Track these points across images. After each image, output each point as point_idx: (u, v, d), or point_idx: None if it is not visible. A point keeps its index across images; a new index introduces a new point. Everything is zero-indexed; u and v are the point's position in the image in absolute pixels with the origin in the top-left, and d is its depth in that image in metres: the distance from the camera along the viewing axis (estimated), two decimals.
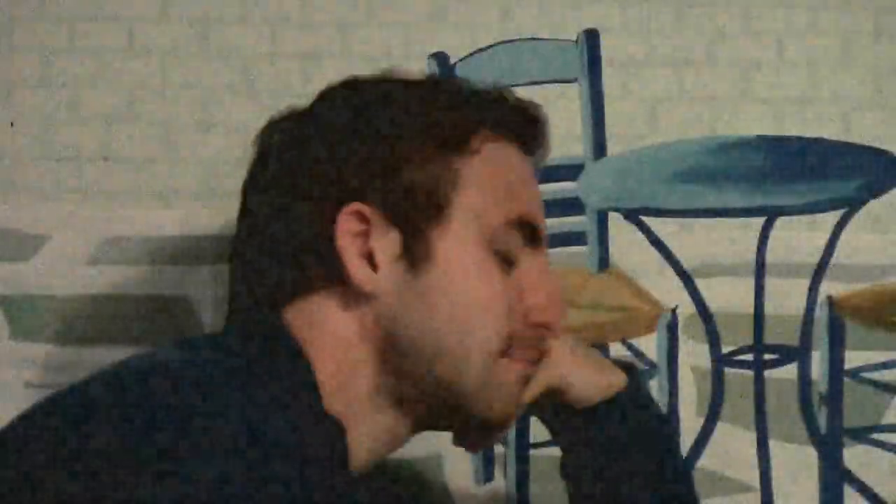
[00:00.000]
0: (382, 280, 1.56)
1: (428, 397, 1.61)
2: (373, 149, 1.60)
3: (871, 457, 2.20)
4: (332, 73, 2.04)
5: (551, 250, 2.18)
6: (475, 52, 2.17)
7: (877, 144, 2.20)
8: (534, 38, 2.19)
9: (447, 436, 2.08)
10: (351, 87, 1.68)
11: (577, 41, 2.16)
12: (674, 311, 2.17)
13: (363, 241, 1.57)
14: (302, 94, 1.77)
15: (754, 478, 2.18)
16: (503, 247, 1.58)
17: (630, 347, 2.17)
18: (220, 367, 1.54)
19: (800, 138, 2.20)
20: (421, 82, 1.67)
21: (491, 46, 2.18)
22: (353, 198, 1.56)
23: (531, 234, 1.61)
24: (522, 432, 2.17)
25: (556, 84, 2.20)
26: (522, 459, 2.18)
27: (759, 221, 2.15)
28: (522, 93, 2.02)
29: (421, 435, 2.12)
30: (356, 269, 1.55)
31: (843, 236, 2.16)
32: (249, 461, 1.43)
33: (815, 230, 2.17)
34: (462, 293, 1.57)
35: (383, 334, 1.58)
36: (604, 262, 2.20)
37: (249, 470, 1.42)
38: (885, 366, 2.20)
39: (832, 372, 2.19)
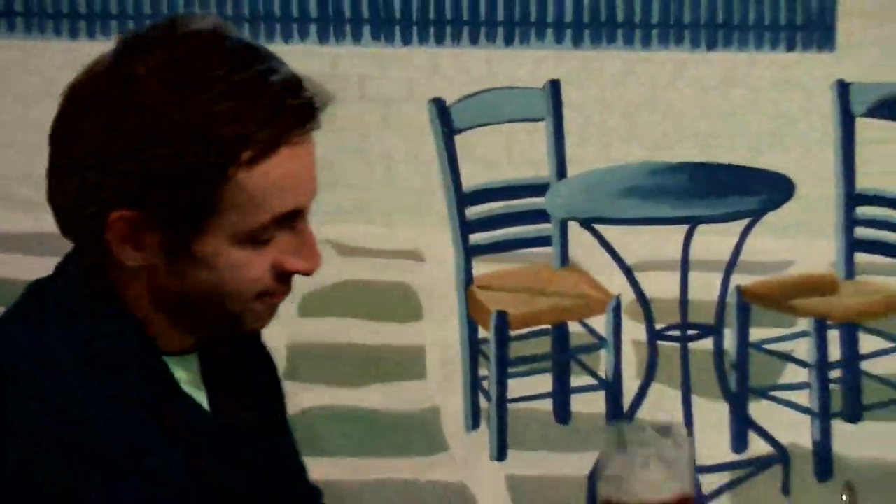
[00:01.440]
0: (147, 259, 1.77)
1: (204, 317, 1.82)
2: (150, 166, 1.76)
3: (770, 409, 2.38)
4: (353, 111, 2.33)
5: (526, 251, 2.35)
6: (464, 98, 2.34)
7: (775, 169, 2.36)
8: (509, 87, 2.36)
9: (445, 393, 2.36)
10: (143, 82, 1.78)
11: (543, 89, 2.33)
12: (618, 297, 2.35)
13: (129, 232, 1.78)
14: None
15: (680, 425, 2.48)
16: (260, 237, 1.73)
17: (585, 326, 2.38)
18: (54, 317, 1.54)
19: (716, 164, 2.41)
20: (201, 73, 1.78)
21: (476, 93, 2.34)
22: (119, 200, 1.76)
23: (288, 217, 1.81)
24: (502, 391, 2.37)
25: (528, 122, 2.38)
26: (502, 412, 2.36)
27: (684, 228, 2.28)
28: (502, 129, 2.29)
29: (422, 393, 2.36)
30: (121, 251, 1.70)
31: (749, 240, 2.30)
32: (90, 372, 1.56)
33: (728, 235, 2.29)
34: (218, 277, 1.77)
35: (159, 287, 1.80)
36: (565, 260, 2.40)
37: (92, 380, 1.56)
38: (780, 339, 2.42)
39: (740, 344, 2.35)
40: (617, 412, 2.40)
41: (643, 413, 2.36)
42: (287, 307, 2.11)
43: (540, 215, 2.38)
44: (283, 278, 1.54)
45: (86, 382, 1.50)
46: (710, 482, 2.34)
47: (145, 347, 1.56)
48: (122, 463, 1.49)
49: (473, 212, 2.36)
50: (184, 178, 1.49)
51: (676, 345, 2.35)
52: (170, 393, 1.57)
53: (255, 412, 1.85)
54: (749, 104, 2.35)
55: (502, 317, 2.32)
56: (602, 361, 2.39)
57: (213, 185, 1.47)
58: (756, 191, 2.36)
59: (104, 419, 1.50)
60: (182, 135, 1.47)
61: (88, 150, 1.53)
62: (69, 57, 2.36)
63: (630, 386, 2.39)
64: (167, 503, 1.51)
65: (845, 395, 2.39)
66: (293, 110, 1.56)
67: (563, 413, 2.41)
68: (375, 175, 2.35)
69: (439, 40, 2.33)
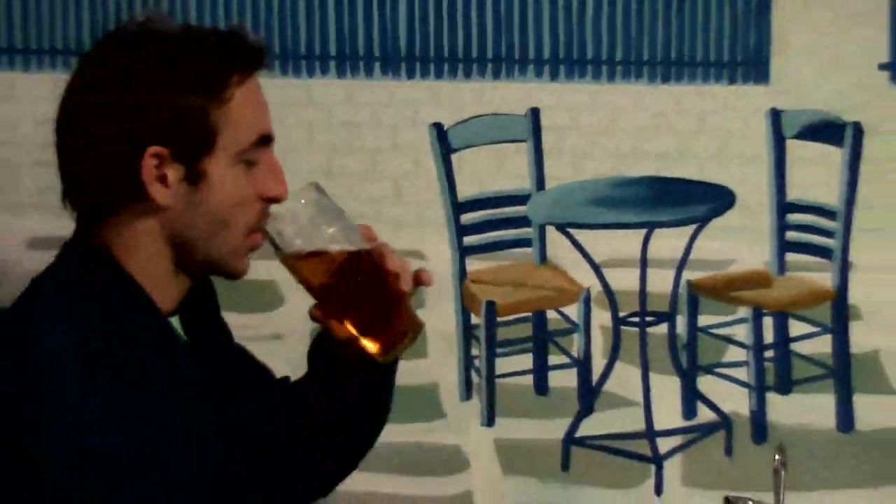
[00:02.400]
0: (172, 196, 1.82)
1: (199, 263, 1.87)
2: (164, 106, 1.80)
3: (715, 383, 2.40)
4: (367, 134, 2.32)
5: (511, 251, 2.36)
6: (459, 123, 2.32)
7: (719, 182, 2.36)
8: (497, 114, 2.34)
9: (443, 370, 2.34)
10: (130, 40, 1.90)
11: (525, 115, 2.32)
12: (588, 289, 2.37)
13: (158, 170, 1.86)
14: (353, 149, 2.28)
15: (640, 397, 2.36)
16: (250, 156, 1.80)
17: (560, 313, 2.39)
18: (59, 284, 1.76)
19: (669, 178, 2.39)
20: (180, 43, 1.87)
21: (469, 119, 2.32)
22: (152, 140, 1.82)
23: (264, 140, 1.91)
24: (491, 368, 2.37)
25: (512, 143, 2.36)
26: (490, 385, 2.37)
27: (643, 231, 2.31)
28: (490, 149, 2.31)
29: (423, 370, 2.34)
30: (155, 189, 1.74)
31: (698, 241, 2.31)
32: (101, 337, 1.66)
33: (679, 237, 2.31)
34: (225, 198, 1.83)
35: (173, 233, 1.82)
36: (543, 259, 2.40)
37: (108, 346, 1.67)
38: (724, 325, 2.42)
39: (690, 329, 2.37)
40: (587, 386, 2.39)
41: (609, 387, 2.38)
42: (308, 297, 2.19)
43: (522, 221, 2.38)
44: (263, 212, 1.70)
45: (106, 340, 1.60)
46: (665, 444, 2.35)
47: (152, 307, 1.68)
48: (146, 418, 1.56)
49: (467, 218, 2.36)
50: (189, 112, 1.52)
51: (636, 329, 2.37)
52: (173, 340, 1.72)
53: (221, 365, 1.90)
54: (697, 128, 2.35)
55: (491, 306, 2.33)
56: (574, 343, 2.40)
57: (209, 111, 1.64)
58: (703, 200, 2.36)
59: (123, 365, 1.55)
60: (178, 81, 1.58)
61: (108, 124, 1.52)
62: None
63: (598, 364, 2.40)
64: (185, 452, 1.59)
65: (777, 371, 2.39)
66: (245, 51, 1.66)
67: (542, 386, 2.40)
68: (386, 189, 2.34)
69: (438, 75, 2.32)
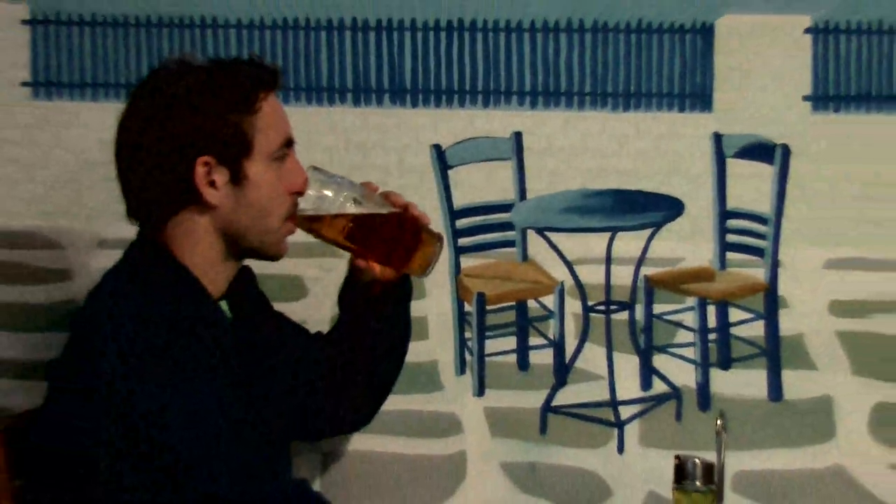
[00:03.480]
0: (221, 196, 1.71)
1: (246, 250, 1.76)
2: (208, 123, 1.69)
3: (667, 360, 2.39)
4: (378, 155, 2.31)
5: (498, 250, 2.38)
6: (455, 144, 2.32)
7: (671, 194, 2.36)
8: (486, 137, 2.34)
9: (441, 350, 2.35)
10: (172, 75, 1.72)
11: (509, 138, 2.32)
12: (562, 283, 2.37)
13: (208, 176, 1.70)
14: (362, 165, 2.24)
15: (605, 372, 2.37)
16: (278, 156, 1.74)
17: (539, 302, 2.37)
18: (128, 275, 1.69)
19: (630, 190, 2.37)
20: (215, 71, 1.72)
21: (463, 140, 2.33)
22: (201, 151, 1.68)
23: (288, 143, 1.76)
24: (481, 348, 2.37)
25: (499, 161, 2.36)
26: (481, 362, 2.37)
27: (608, 235, 2.32)
28: (480, 166, 2.32)
29: (425, 349, 2.35)
30: (207, 192, 1.70)
31: (653, 243, 2.34)
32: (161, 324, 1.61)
33: (638, 240, 2.33)
34: (263, 193, 1.72)
35: (223, 226, 1.73)
36: (525, 257, 2.39)
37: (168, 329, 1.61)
38: (674, 312, 2.41)
39: (646, 315, 2.38)
40: (561, 363, 2.37)
41: (579, 364, 2.37)
42: (330, 289, 2.20)
43: (507, 226, 2.37)
44: (293, 204, 1.73)
45: (167, 324, 1.64)
46: (625, 411, 2.36)
47: (206, 301, 1.72)
48: (193, 373, 1.62)
49: (461, 223, 2.36)
50: (228, 125, 1.68)
51: (602, 316, 2.36)
52: (222, 321, 1.74)
53: (263, 332, 1.88)
54: (653, 149, 2.30)
55: (481, 296, 2.36)
56: (551, 328, 2.39)
57: (244, 122, 1.68)
58: (658, 209, 2.36)
59: (181, 347, 1.62)
60: (217, 101, 1.69)
61: (161, 144, 1.69)
62: None
63: (570, 344, 2.38)
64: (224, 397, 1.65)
65: (719, 350, 2.39)
66: (264, 73, 1.73)
67: (523, 363, 2.39)
68: None
69: (437, 104, 2.28)
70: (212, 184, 1.75)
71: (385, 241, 1.83)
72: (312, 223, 1.81)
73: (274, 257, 1.81)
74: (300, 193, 1.80)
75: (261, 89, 1.76)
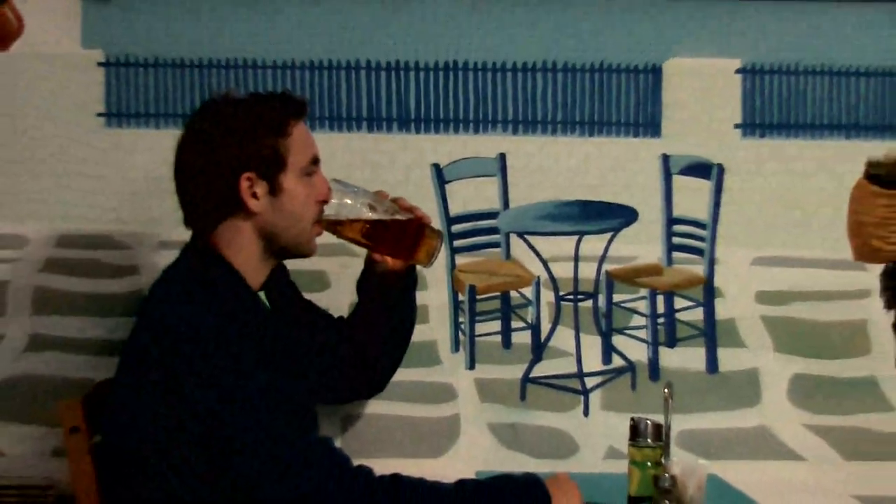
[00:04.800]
0: (261, 205, 1.72)
1: (282, 249, 1.77)
2: (249, 145, 1.70)
3: (625, 340, 2.40)
4: (388, 174, 2.31)
5: (486, 250, 2.38)
6: (451, 163, 2.32)
7: (628, 204, 2.36)
8: (476, 157, 2.34)
9: (439, 331, 2.35)
10: (217, 108, 1.73)
11: (495, 158, 2.32)
12: (538, 277, 2.37)
13: (251, 189, 1.72)
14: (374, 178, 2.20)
15: (573, 350, 2.35)
16: (308, 171, 1.77)
17: (520, 293, 2.37)
18: (184, 273, 1.71)
19: (594, 201, 2.37)
20: (254, 104, 1.73)
21: (458, 160, 2.32)
22: (244, 168, 1.70)
23: (315, 161, 1.77)
24: (472, 330, 2.36)
25: (487, 177, 2.35)
26: (472, 342, 2.38)
27: (576, 237, 2.34)
28: (472, 181, 2.31)
29: (426, 331, 2.34)
30: (250, 202, 1.72)
31: (613, 244, 2.35)
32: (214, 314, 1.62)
33: (601, 241, 2.33)
34: (296, 203, 1.76)
35: (263, 230, 1.74)
36: (508, 255, 2.38)
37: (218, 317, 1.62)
38: (630, 300, 2.40)
39: (607, 303, 2.38)
40: (537, 342, 2.37)
41: (552, 343, 2.37)
42: (348, 282, 2.19)
43: (494, 230, 2.38)
44: (319, 210, 1.74)
45: (223, 318, 1.64)
46: (590, 381, 2.36)
47: (248, 292, 1.72)
48: (245, 356, 1.64)
49: (456, 228, 2.36)
50: (267, 146, 1.69)
51: (571, 304, 2.38)
52: (261, 309, 1.74)
53: (295, 319, 1.90)
54: (612, 168, 2.27)
55: (472, 288, 2.37)
56: (529, 313, 2.39)
57: (279, 144, 1.70)
58: (617, 216, 2.36)
59: (228, 331, 1.62)
60: (257, 127, 1.70)
61: (216, 155, 1.70)
62: None
63: (545, 327, 2.39)
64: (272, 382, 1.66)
65: (666, 332, 2.39)
66: (294, 104, 1.74)
67: (507, 342, 2.38)
68: None
69: (437, 130, 2.26)
70: (254, 195, 1.77)
71: (395, 238, 1.88)
72: (336, 226, 1.87)
73: (305, 255, 1.80)
74: (325, 202, 1.84)
75: (291, 117, 1.76)
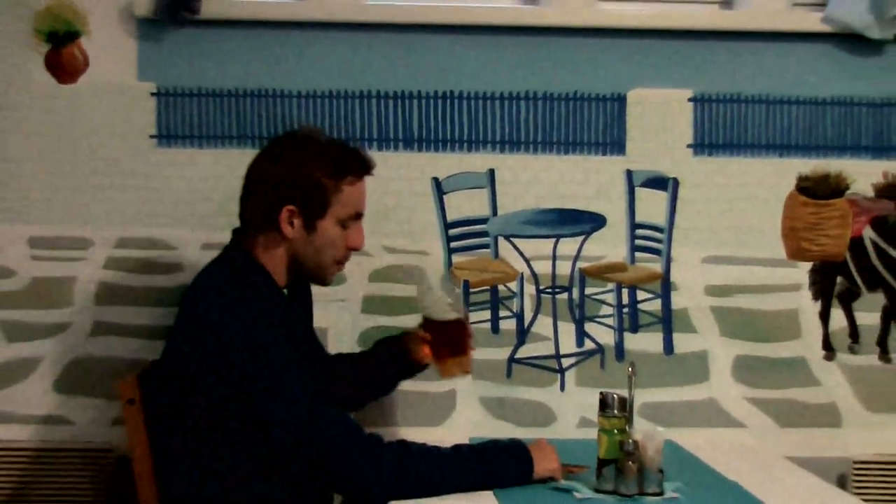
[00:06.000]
0: (294, 233, 1.74)
1: (306, 271, 1.75)
2: (302, 183, 1.66)
3: (595, 327, 2.40)
4: (396, 184, 2.30)
5: (478, 251, 2.38)
6: (448, 176, 2.32)
7: (598, 212, 2.37)
8: (469, 172, 2.34)
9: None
10: (294, 143, 1.70)
11: (486, 172, 2.33)
12: (522, 273, 2.38)
13: (289, 218, 1.72)
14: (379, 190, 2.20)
15: (552, 335, 2.35)
16: (346, 223, 1.74)
17: (506, 287, 2.37)
18: (229, 274, 1.71)
19: (569, 209, 2.37)
20: (324, 147, 1.66)
21: (453, 175, 2.32)
22: (290, 202, 1.67)
23: (358, 216, 1.74)
24: (466, 318, 2.26)
25: (478, 188, 2.35)
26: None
27: (553, 240, 2.35)
28: (465, 192, 2.31)
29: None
30: (285, 228, 1.71)
31: (585, 245, 2.35)
32: (252, 310, 1.64)
33: (574, 243, 2.34)
34: (325, 243, 1.72)
35: (290, 251, 1.75)
36: (496, 255, 2.39)
37: (256, 312, 1.64)
38: (600, 293, 2.40)
39: (580, 295, 2.39)
40: (521, 328, 2.38)
41: (534, 329, 2.37)
42: (362, 277, 2.24)
43: (484, 233, 2.38)
44: (347, 254, 1.71)
45: (255, 309, 1.65)
46: (566, 361, 2.37)
47: (276, 288, 1.71)
48: (279, 343, 1.65)
49: (452, 232, 2.35)
50: (317, 191, 1.64)
51: (549, 296, 2.38)
52: (286, 303, 1.73)
53: (306, 314, 1.85)
54: (584, 181, 2.26)
55: (466, 282, 2.37)
56: (514, 304, 2.39)
57: (330, 194, 1.65)
58: (588, 222, 2.38)
59: (264, 322, 1.64)
60: (314, 171, 1.64)
61: (274, 182, 1.66)
62: None
63: (528, 316, 2.39)
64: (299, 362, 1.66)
65: (630, 319, 2.40)
66: (360, 163, 1.66)
67: (495, 328, 2.37)
68: (406, 216, 2.26)
69: (435, 149, 2.24)
70: (291, 223, 1.80)
71: (444, 350, 1.90)
72: (424, 318, 1.89)
73: (321, 284, 1.82)
74: (356, 249, 1.80)
75: (350, 174, 1.74)
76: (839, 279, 2.29)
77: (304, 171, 1.74)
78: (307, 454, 1.57)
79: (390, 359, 1.88)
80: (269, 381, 1.62)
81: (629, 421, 1.73)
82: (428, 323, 1.85)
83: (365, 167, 1.70)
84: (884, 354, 2.29)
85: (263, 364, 1.63)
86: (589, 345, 2.35)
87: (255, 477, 1.61)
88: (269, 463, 1.62)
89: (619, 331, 2.34)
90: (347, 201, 1.69)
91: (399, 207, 2.33)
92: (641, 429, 1.71)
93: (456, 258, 2.38)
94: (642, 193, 2.33)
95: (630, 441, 1.69)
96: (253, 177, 1.77)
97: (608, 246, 2.34)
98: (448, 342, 1.82)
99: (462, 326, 1.83)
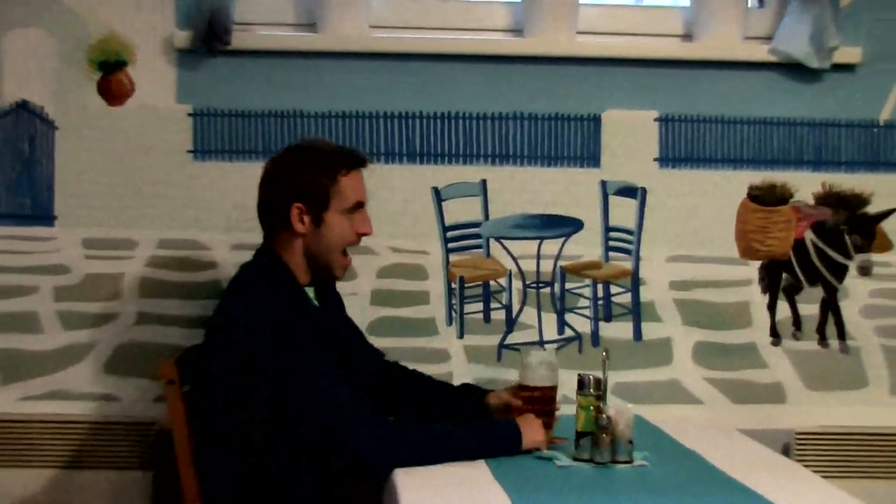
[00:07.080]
0: (306, 229, 1.73)
1: (318, 265, 1.74)
2: (305, 182, 1.66)
3: (574, 317, 2.41)
4: (399, 193, 2.31)
5: (472, 250, 2.37)
6: (446, 186, 2.33)
7: (576, 217, 2.38)
8: (465, 182, 2.35)
9: (437, 310, 2.34)
10: (294, 151, 1.70)
11: (479, 182, 2.34)
12: (510, 270, 2.39)
13: (299, 215, 1.72)
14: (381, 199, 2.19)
15: (536, 324, 2.35)
16: (350, 212, 1.73)
17: (497, 282, 2.37)
18: (256, 272, 1.71)
19: (551, 214, 2.38)
20: (319, 149, 1.67)
21: (451, 184, 2.33)
22: (297, 200, 1.67)
23: (360, 205, 1.72)
24: (462, 309, 2.38)
25: (472, 196, 2.36)
26: (462, 318, 2.39)
27: (538, 241, 2.36)
28: (461, 199, 2.31)
29: (427, 310, 2.33)
30: (297, 225, 1.71)
31: (566, 246, 2.36)
32: (274, 303, 1.63)
33: (556, 244, 2.34)
34: (334, 234, 1.72)
35: (306, 247, 1.75)
36: (488, 254, 2.40)
37: (278, 305, 1.63)
38: (578, 287, 2.41)
39: (561, 289, 2.39)
40: (510, 318, 2.38)
41: (521, 319, 2.38)
42: (370, 274, 2.24)
43: (477, 235, 2.39)
44: (358, 240, 1.69)
45: (276, 302, 1.65)
46: (548, 347, 2.37)
47: (296, 283, 1.70)
48: (305, 339, 1.64)
49: (450, 234, 2.36)
50: (317, 187, 1.65)
51: (534, 290, 2.38)
52: (307, 302, 1.71)
53: (340, 324, 1.85)
54: (564, 190, 2.26)
55: (462, 278, 2.38)
56: (504, 297, 2.40)
57: (330, 187, 1.66)
58: (568, 225, 2.38)
59: (285, 313, 1.63)
60: (313, 171, 1.65)
61: (281, 185, 1.67)
62: None
63: (515, 307, 2.40)
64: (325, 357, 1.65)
65: (605, 310, 2.41)
66: (351, 157, 1.66)
67: (487, 318, 2.38)
68: (408, 220, 2.24)
69: (435, 162, 2.23)
70: (301, 221, 1.80)
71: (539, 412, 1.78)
72: (521, 382, 1.79)
73: (333, 278, 1.79)
74: (365, 235, 1.78)
75: (344, 168, 1.72)
76: (784, 275, 2.30)
77: (304, 170, 1.71)
78: (319, 427, 1.57)
79: (468, 412, 1.80)
80: (284, 362, 1.64)
81: (603, 398, 1.74)
82: (522, 388, 1.78)
83: (356, 160, 1.68)
84: (822, 340, 2.30)
85: (280, 347, 1.64)
86: (568, 332, 2.35)
87: (281, 454, 1.61)
88: (292, 440, 1.61)
89: (595, 320, 2.35)
90: (346, 192, 1.66)
91: (403, 213, 2.34)
92: (614, 405, 1.72)
93: (453, 257, 2.39)
94: (615, 201, 2.33)
95: (604, 416, 1.70)
96: (264, 184, 1.78)
97: (585, 246, 2.34)
98: (538, 411, 1.77)
99: (553, 395, 1.78)
